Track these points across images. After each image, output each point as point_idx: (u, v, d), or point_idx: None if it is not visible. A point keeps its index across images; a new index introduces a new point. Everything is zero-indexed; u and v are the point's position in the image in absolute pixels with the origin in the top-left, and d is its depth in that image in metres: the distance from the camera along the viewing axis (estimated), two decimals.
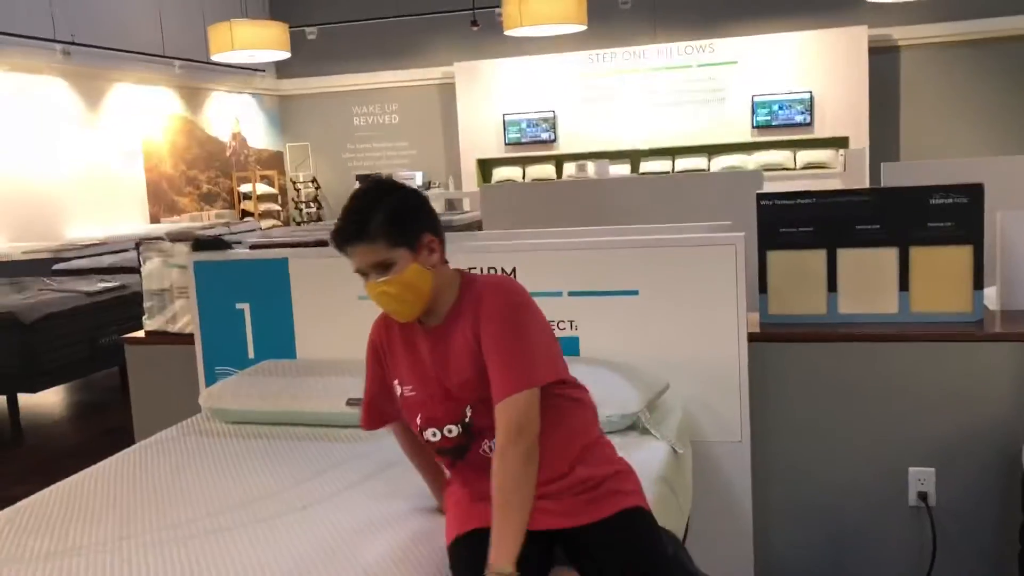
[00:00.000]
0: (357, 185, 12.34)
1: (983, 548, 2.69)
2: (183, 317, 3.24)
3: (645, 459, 2.25)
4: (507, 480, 1.63)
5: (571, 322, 2.77)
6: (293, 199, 13.40)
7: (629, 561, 1.68)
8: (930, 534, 2.69)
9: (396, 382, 1.86)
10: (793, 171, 10.81)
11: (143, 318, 3.36)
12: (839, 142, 10.83)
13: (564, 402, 1.80)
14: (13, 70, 9.26)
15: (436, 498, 1.99)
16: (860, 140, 10.65)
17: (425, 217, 1.77)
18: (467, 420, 1.76)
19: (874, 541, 2.77)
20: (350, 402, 2.49)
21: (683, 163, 11.44)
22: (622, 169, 11.22)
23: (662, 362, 2.66)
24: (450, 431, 1.77)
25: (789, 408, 2.79)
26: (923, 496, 2.69)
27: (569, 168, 11.53)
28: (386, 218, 1.69)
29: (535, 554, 1.65)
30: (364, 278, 1.75)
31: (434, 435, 1.79)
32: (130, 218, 10.75)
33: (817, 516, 2.81)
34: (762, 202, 2.83)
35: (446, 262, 1.81)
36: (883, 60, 10.95)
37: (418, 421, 1.80)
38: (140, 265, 3.33)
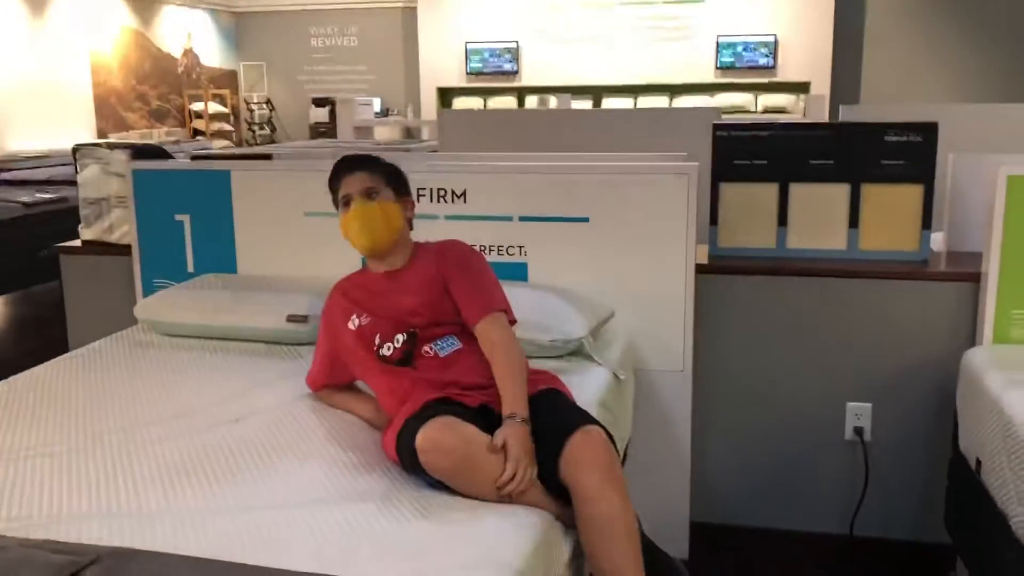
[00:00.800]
0: (313, 108, 12.14)
1: (913, 484, 2.75)
2: (121, 227, 3.14)
3: (586, 384, 2.25)
4: (509, 354, 1.90)
5: (520, 247, 2.74)
6: (246, 120, 13.07)
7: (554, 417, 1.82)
8: (863, 468, 2.74)
9: (352, 319, 2.05)
10: (753, 114, 10.79)
11: (79, 227, 3.25)
12: (801, 87, 10.82)
13: None
14: None
15: (372, 417, 2.05)
16: (822, 86, 10.65)
17: (409, 187, 2.19)
18: (411, 331, 1.98)
19: (809, 473, 2.82)
20: (291, 318, 2.44)
21: (645, 101, 11.35)
22: (584, 105, 11.09)
23: (609, 290, 2.64)
24: (398, 340, 1.97)
25: (733, 340, 2.80)
26: (859, 431, 2.73)
27: (531, 101, 11.38)
28: (389, 167, 2.13)
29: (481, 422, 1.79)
30: (345, 207, 2.06)
31: (388, 349, 1.97)
32: (76, 132, 10.39)
33: (755, 447, 2.84)
34: (718, 133, 2.80)
35: (411, 225, 2.16)
36: (849, 4, 10.89)
37: (376, 341, 1.99)
38: (76, 172, 3.21)
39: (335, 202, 2.13)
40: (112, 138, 10.58)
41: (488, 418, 1.79)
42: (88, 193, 3.18)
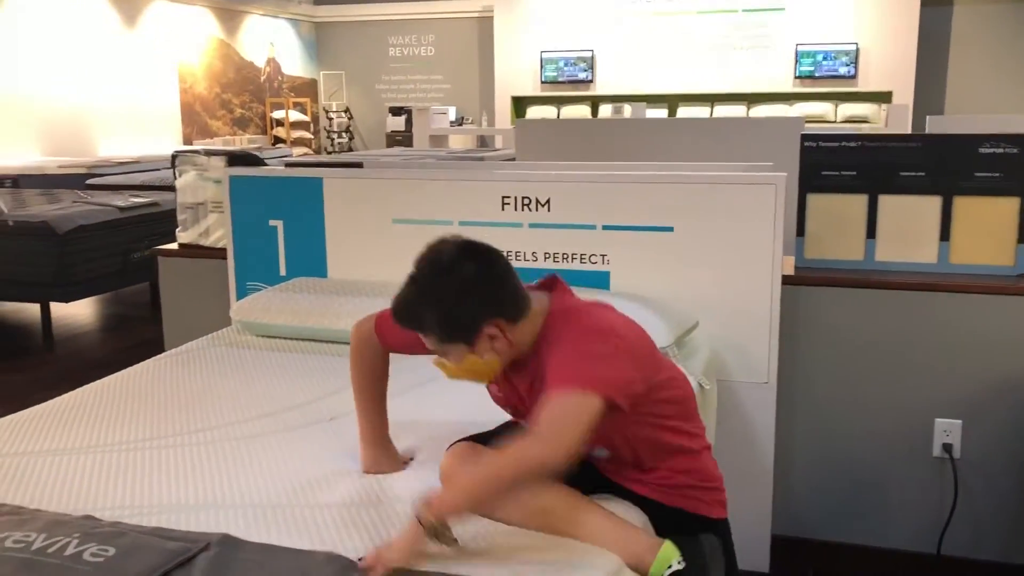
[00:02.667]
0: (390, 117, 12.36)
1: (1004, 503, 2.68)
2: (216, 231, 3.26)
3: None
4: (508, 459, 1.44)
5: (603, 256, 2.75)
6: (325, 128, 13.36)
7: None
8: (952, 486, 2.69)
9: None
10: (834, 124, 10.61)
11: (177, 231, 3.38)
12: (882, 96, 10.60)
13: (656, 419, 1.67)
14: None
15: (363, 449, 1.80)
16: (904, 95, 10.41)
17: (485, 304, 1.57)
18: None
19: (895, 490, 2.77)
20: None
21: (721, 111, 11.26)
22: (659, 114, 11.06)
23: (693, 300, 2.64)
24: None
25: (818, 353, 2.77)
26: (948, 448, 2.68)
27: (605, 110, 11.38)
28: (438, 318, 1.56)
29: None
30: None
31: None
32: (163, 139, 10.77)
33: (839, 462, 2.81)
34: (806, 143, 2.78)
35: (522, 321, 1.61)
36: (935, 14, 10.64)
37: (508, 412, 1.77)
38: (175, 177, 3.34)
39: None
40: (196, 144, 10.93)
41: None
42: (186, 198, 3.31)
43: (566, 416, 1.45)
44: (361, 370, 1.86)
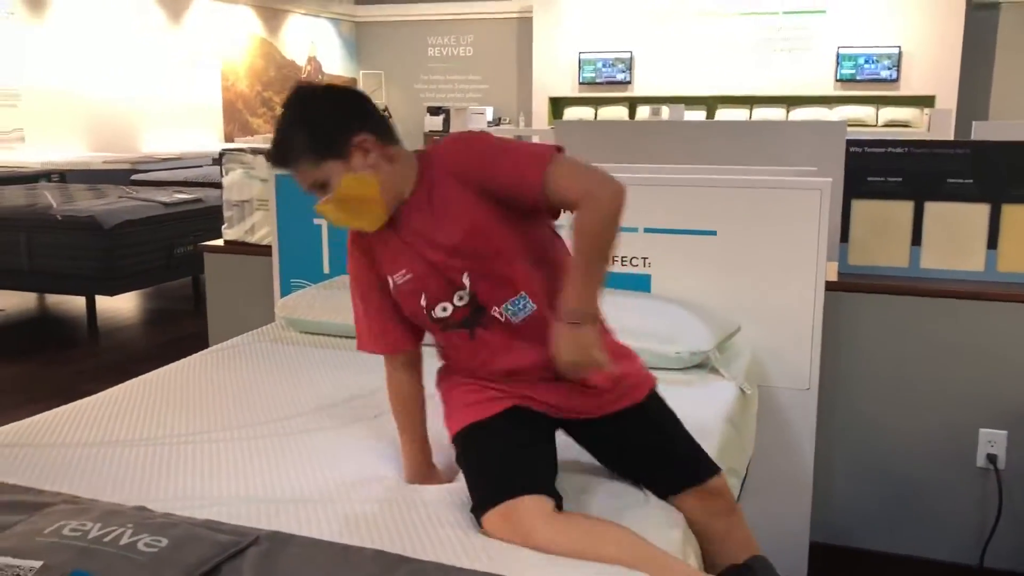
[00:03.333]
0: (428, 117, 12.43)
1: None
2: (261, 229, 3.30)
3: (712, 397, 2.26)
4: (596, 232, 1.49)
5: (644, 259, 2.75)
6: None
7: (667, 439, 1.73)
8: (996, 497, 2.65)
9: (390, 278, 1.66)
10: (874, 128, 10.49)
11: (222, 227, 3.43)
12: (925, 101, 10.46)
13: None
14: None
15: (406, 466, 1.76)
16: (948, 100, 10.26)
17: (351, 116, 1.57)
18: (468, 288, 1.60)
19: (937, 500, 2.74)
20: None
21: (760, 113, 11.18)
22: (697, 115, 11.01)
23: (735, 305, 2.64)
24: (460, 297, 1.61)
25: (861, 360, 2.75)
26: (992, 458, 2.65)
27: (643, 111, 11.34)
28: (306, 136, 1.55)
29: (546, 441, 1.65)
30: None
31: (444, 309, 1.62)
32: (205, 135, 10.92)
33: (880, 470, 2.79)
34: (851, 149, 2.76)
35: (394, 149, 1.60)
36: (981, 17, 10.48)
37: (423, 303, 1.63)
38: (222, 175, 3.39)
39: None
40: (237, 141, 11.07)
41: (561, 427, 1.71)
42: (232, 195, 3.36)
43: (576, 167, 1.53)
44: (393, 396, 1.81)
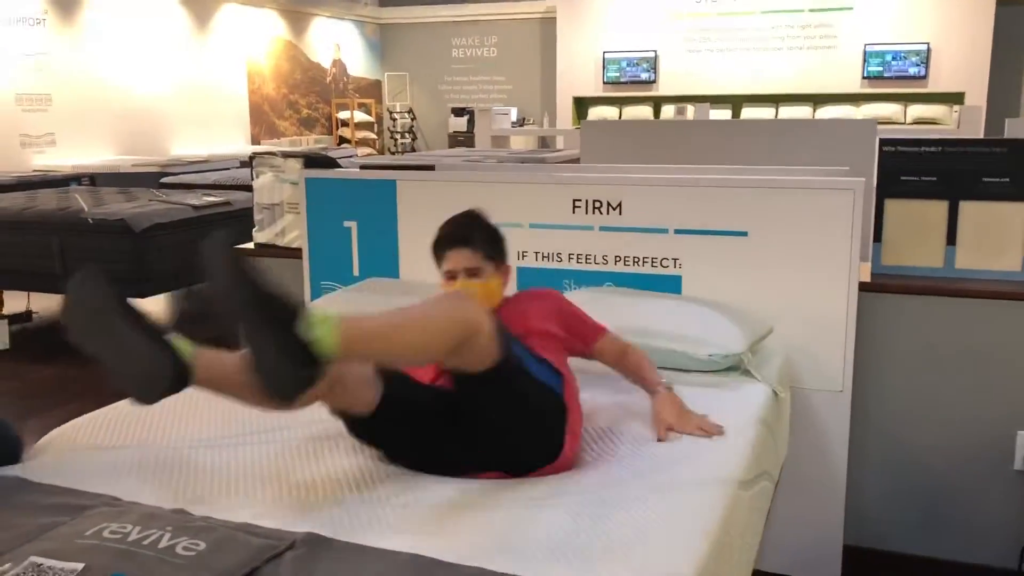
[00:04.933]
0: (452, 118, 12.45)
1: None
2: (292, 231, 3.32)
3: (745, 400, 2.24)
4: (641, 360, 2.13)
5: (675, 260, 2.74)
6: (389, 128, 13.51)
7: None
8: None
9: None
10: (903, 125, 10.39)
11: (253, 230, 3.46)
12: (954, 98, 10.34)
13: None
14: None
15: None
16: (977, 97, 10.14)
17: (505, 248, 2.13)
18: None
19: (973, 503, 2.71)
20: None
21: (786, 111, 11.10)
22: (723, 114, 10.95)
23: (766, 306, 2.62)
24: None
25: (895, 362, 2.72)
26: None
27: (667, 110, 11.30)
28: (490, 237, 2.08)
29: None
30: (451, 280, 2.05)
31: None
32: (232, 138, 11.01)
33: (915, 473, 2.76)
34: (884, 148, 2.74)
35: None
36: (1011, 12, 10.34)
37: None
38: (253, 178, 3.42)
39: (438, 265, 2.10)
40: (264, 144, 11.15)
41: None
42: (262, 199, 3.38)
43: (619, 341, 2.18)
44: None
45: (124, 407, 2.19)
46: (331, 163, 3.25)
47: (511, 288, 2.22)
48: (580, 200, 2.82)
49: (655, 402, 2.03)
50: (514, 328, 1.98)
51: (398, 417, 1.76)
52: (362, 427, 1.81)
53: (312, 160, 3.20)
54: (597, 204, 2.81)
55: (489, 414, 1.75)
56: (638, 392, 2.17)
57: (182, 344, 1.61)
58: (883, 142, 2.75)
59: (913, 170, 2.71)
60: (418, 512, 1.62)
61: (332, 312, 1.49)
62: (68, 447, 1.93)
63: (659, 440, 1.93)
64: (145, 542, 1.48)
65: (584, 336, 2.15)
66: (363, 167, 3.34)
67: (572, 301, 2.23)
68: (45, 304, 6.49)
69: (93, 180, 7.92)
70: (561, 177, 2.93)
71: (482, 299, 2.01)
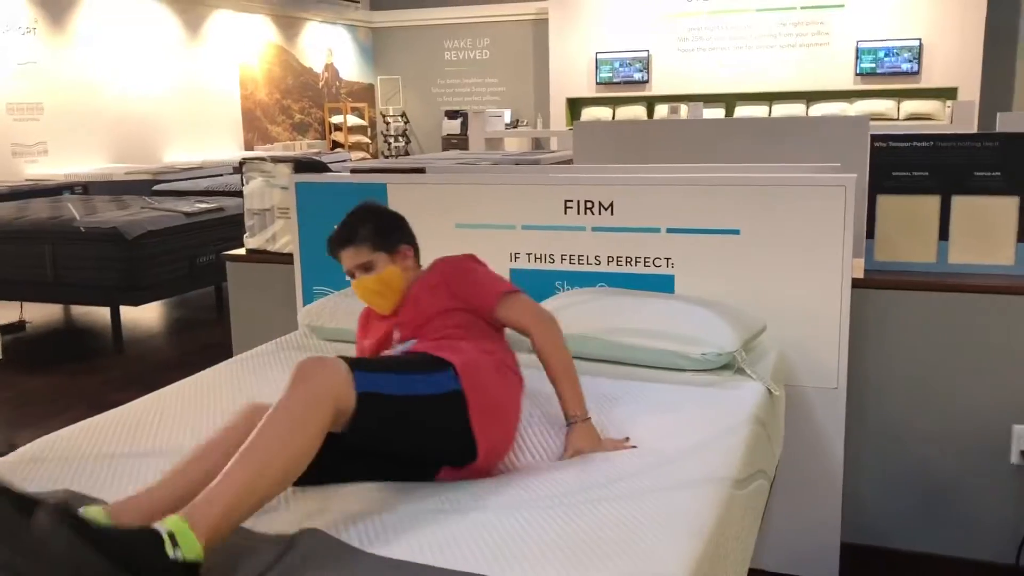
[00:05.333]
0: (446, 120, 12.45)
1: None
2: (283, 237, 3.31)
3: (739, 398, 2.23)
4: (556, 351, 1.96)
5: (667, 259, 2.73)
6: (382, 132, 13.50)
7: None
8: None
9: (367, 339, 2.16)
10: (896, 121, 10.40)
11: (244, 236, 3.44)
12: (947, 93, 10.36)
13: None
14: None
15: None
16: (970, 92, 10.16)
17: (403, 232, 2.16)
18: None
19: (970, 498, 2.70)
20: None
21: (780, 109, 11.12)
22: (716, 113, 10.97)
23: (760, 304, 2.61)
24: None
25: (889, 357, 2.71)
26: None
27: (661, 110, 11.32)
28: (373, 228, 2.09)
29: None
30: (351, 278, 2.10)
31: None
32: (225, 144, 11.00)
33: (911, 469, 2.75)
34: (876, 144, 2.73)
35: (419, 266, 2.17)
36: (1003, 6, 10.36)
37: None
38: (243, 184, 3.40)
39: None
40: (257, 149, 11.13)
41: None
42: (253, 204, 3.36)
43: (528, 304, 2.03)
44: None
45: (115, 415, 2.17)
46: (321, 167, 3.24)
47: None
48: (572, 201, 2.81)
49: (570, 432, 1.91)
50: (414, 319, 2.01)
51: (313, 473, 1.58)
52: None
53: (302, 165, 3.18)
54: (589, 204, 2.80)
55: (381, 447, 1.69)
56: (628, 395, 2.16)
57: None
58: (874, 138, 2.74)
59: (905, 165, 2.71)
60: (408, 518, 1.61)
61: (177, 522, 1.34)
62: (59, 457, 1.92)
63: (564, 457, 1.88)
64: None
65: (479, 305, 2.02)
66: (353, 171, 3.32)
67: (479, 265, 2.12)
68: (38, 314, 6.47)
69: (86, 188, 7.90)
70: (552, 178, 2.92)
71: (383, 289, 2.07)
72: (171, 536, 1.32)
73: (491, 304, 2.01)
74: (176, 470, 1.60)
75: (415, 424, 1.71)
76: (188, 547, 1.33)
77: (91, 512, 1.43)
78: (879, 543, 2.81)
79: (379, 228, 2.10)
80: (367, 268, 2.08)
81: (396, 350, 2.02)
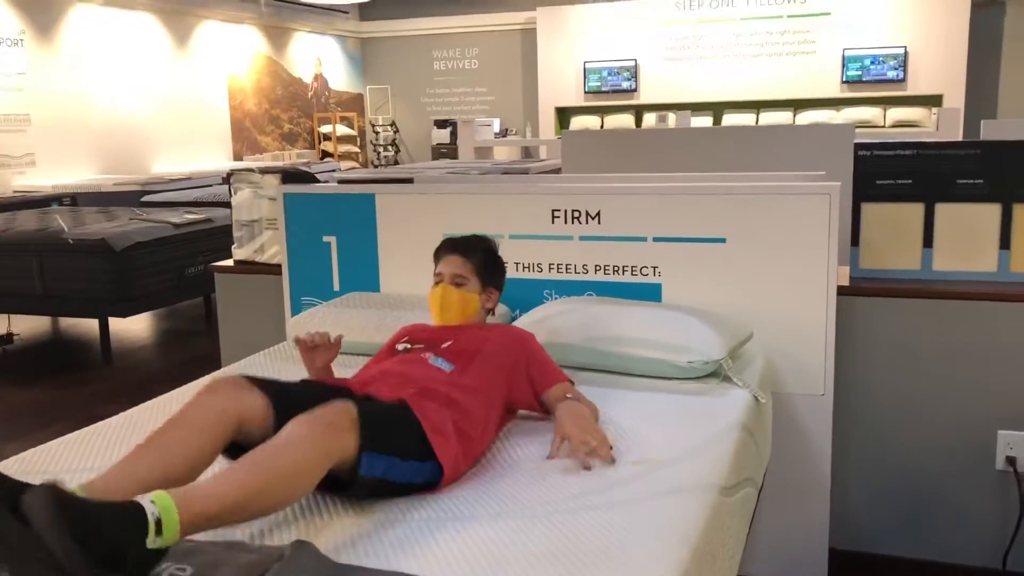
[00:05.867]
0: (435, 130, 12.46)
1: None
2: (271, 247, 3.31)
3: (726, 406, 2.24)
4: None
5: (654, 268, 2.75)
6: (372, 142, 13.51)
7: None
8: (1017, 500, 2.63)
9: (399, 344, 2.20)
10: (882, 129, 10.47)
11: (232, 247, 3.44)
12: (933, 100, 10.44)
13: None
14: (107, 4, 9.47)
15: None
16: (955, 99, 10.24)
17: (501, 280, 2.33)
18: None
19: (957, 504, 2.72)
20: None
21: (767, 117, 11.18)
22: (704, 121, 11.01)
23: (747, 311, 2.62)
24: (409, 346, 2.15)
25: (875, 364, 2.73)
26: (1011, 460, 2.62)
27: (649, 119, 11.37)
28: (487, 256, 2.28)
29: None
30: (436, 282, 2.24)
31: (403, 346, 2.17)
32: (214, 155, 10.98)
33: (899, 475, 2.76)
34: (860, 152, 2.75)
35: (490, 314, 2.33)
36: (986, 14, 10.45)
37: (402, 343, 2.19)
38: (231, 195, 3.40)
39: (434, 267, 2.27)
40: (246, 159, 11.12)
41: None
42: (241, 215, 3.36)
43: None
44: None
45: (103, 427, 2.17)
46: (309, 178, 3.25)
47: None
48: (559, 210, 2.82)
49: (558, 410, 1.98)
50: (466, 345, 2.08)
51: None
52: None
53: (290, 175, 3.19)
54: (576, 214, 2.81)
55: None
56: (616, 404, 2.18)
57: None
58: (858, 146, 2.77)
59: (889, 173, 2.73)
60: (391, 527, 1.61)
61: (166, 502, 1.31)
62: (45, 471, 1.91)
63: (548, 458, 1.86)
64: None
65: (538, 378, 2.10)
66: (341, 181, 3.33)
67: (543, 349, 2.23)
68: (26, 326, 6.44)
69: (74, 200, 7.88)
70: (540, 187, 2.94)
71: (457, 306, 2.21)
72: (157, 522, 1.28)
73: (549, 384, 2.09)
74: (131, 456, 1.58)
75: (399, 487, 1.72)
76: (168, 534, 1.29)
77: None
78: (867, 549, 2.82)
79: (489, 261, 2.28)
80: (458, 282, 2.22)
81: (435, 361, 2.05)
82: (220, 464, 1.63)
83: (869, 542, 2.82)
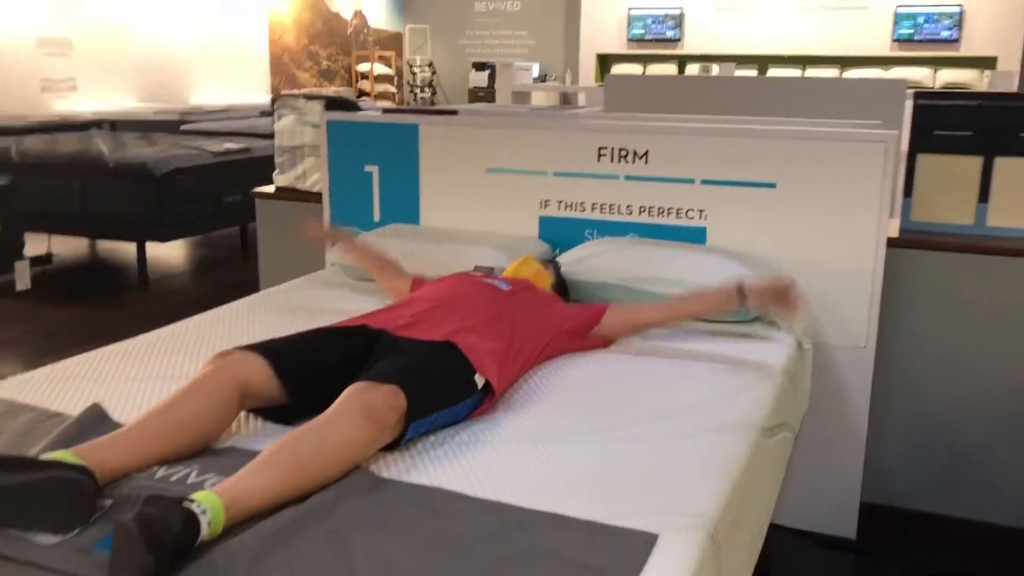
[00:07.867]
0: (473, 72, 12.31)
1: None
2: (313, 175, 3.30)
3: (769, 351, 2.23)
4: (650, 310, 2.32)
5: (700, 211, 2.70)
6: (408, 82, 13.38)
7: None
8: None
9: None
10: (932, 90, 10.20)
11: (274, 173, 3.43)
12: (986, 62, 10.12)
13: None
14: None
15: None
16: (1011, 62, 9.92)
17: (565, 296, 2.46)
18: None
19: (997, 462, 2.68)
20: (478, 268, 2.50)
21: (813, 74, 10.91)
22: (748, 75, 10.78)
23: (792, 259, 2.58)
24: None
25: (920, 318, 2.68)
26: None
27: (692, 69, 11.14)
28: (559, 276, 2.52)
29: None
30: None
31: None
32: (252, 88, 10.94)
33: (937, 431, 2.73)
34: (919, 101, 2.67)
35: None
36: None
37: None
38: (275, 121, 3.38)
39: None
40: (283, 95, 11.07)
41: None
42: (283, 141, 3.35)
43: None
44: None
45: (138, 342, 2.19)
46: (353, 106, 3.22)
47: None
48: (606, 148, 2.78)
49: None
50: (522, 283, 2.24)
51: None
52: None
53: (334, 103, 3.16)
54: (623, 152, 2.77)
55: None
56: (659, 341, 2.16)
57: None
58: (917, 95, 2.69)
59: (948, 124, 2.65)
60: (437, 449, 1.61)
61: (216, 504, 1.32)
62: (80, 376, 1.94)
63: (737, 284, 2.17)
64: (173, 478, 1.47)
65: (585, 318, 2.23)
66: (386, 111, 3.29)
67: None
68: (66, 246, 6.51)
69: (114, 126, 7.90)
70: (587, 124, 2.89)
71: (533, 267, 2.41)
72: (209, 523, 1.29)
73: (599, 315, 2.24)
74: (142, 422, 1.56)
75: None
76: (210, 534, 1.29)
77: (58, 456, 1.40)
78: (899, 504, 2.80)
79: (561, 279, 2.52)
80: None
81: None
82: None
83: (901, 497, 2.80)
